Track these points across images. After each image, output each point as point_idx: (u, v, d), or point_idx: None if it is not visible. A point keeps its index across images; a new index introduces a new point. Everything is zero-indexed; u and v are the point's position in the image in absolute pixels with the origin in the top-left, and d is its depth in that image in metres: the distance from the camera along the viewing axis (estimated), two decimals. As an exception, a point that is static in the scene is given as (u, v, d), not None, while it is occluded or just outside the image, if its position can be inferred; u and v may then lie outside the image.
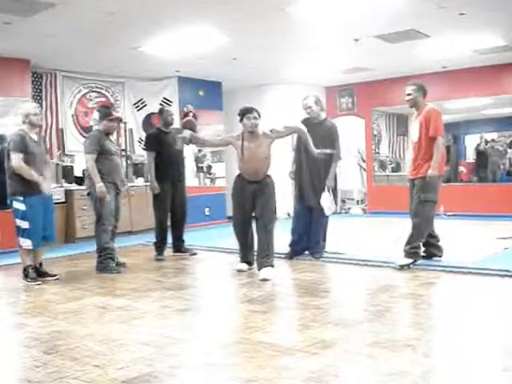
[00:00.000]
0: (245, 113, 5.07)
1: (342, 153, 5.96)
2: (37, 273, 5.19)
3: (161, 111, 6.49)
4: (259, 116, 5.11)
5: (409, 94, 5.20)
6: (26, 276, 5.12)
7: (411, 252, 5.15)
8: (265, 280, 4.87)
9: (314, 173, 5.77)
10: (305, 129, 5.32)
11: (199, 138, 5.57)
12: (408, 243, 5.17)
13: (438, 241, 5.41)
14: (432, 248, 5.39)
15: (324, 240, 6.05)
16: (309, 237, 5.95)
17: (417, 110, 5.25)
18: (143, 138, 9.49)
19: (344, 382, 2.65)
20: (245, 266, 5.33)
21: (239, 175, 5.26)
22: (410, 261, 5.13)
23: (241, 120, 5.12)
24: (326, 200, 5.72)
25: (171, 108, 6.48)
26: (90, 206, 5.76)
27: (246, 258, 5.37)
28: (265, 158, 5.13)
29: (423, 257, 5.34)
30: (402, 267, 5.09)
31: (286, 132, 5.29)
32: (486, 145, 10.94)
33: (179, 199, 6.33)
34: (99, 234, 5.56)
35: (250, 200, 5.16)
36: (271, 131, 5.15)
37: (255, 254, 5.26)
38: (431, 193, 5.14)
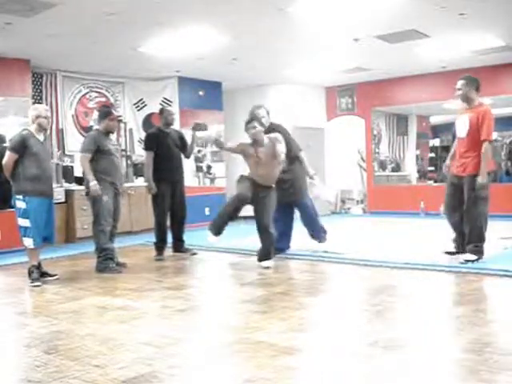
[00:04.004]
0: (246, 124, 5.50)
1: (299, 145, 6.11)
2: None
3: (161, 111, 6.49)
4: (260, 124, 5.53)
5: (459, 89, 5.17)
6: (29, 276, 5.12)
7: (475, 250, 5.17)
8: (267, 268, 5.44)
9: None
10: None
11: (223, 143, 6.06)
12: (469, 242, 5.19)
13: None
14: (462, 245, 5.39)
15: (324, 232, 6.15)
16: (289, 235, 6.16)
17: (469, 105, 5.19)
18: (143, 138, 9.53)
19: (344, 382, 2.65)
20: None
21: (252, 178, 5.55)
22: (475, 257, 5.14)
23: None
24: (322, 189, 6.07)
25: (172, 108, 6.47)
26: (89, 206, 5.75)
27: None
28: (273, 160, 5.43)
29: (454, 253, 5.35)
30: (466, 262, 5.11)
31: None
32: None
33: (178, 199, 6.32)
34: (97, 234, 5.54)
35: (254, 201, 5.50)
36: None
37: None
38: (482, 190, 5.11)
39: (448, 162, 5.50)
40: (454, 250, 5.39)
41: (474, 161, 5.11)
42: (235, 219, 5.72)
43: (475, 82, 5.17)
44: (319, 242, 6.11)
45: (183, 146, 6.43)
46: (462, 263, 5.13)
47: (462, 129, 5.21)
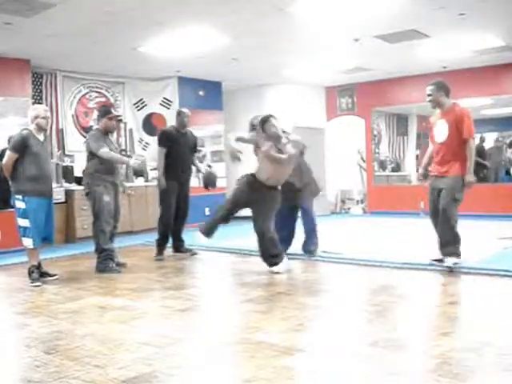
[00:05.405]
0: (261, 124, 5.18)
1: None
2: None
3: (178, 113, 6.52)
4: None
5: (429, 95, 5.07)
6: (29, 276, 5.12)
7: (455, 252, 4.97)
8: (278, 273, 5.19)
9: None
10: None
11: (242, 138, 5.45)
12: (448, 243, 4.99)
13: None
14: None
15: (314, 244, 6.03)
16: (292, 237, 5.99)
17: (441, 110, 5.10)
18: (143, 138, 9.54)
19: (344, 382, 2.65)
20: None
21: (253, 175, 5.27)
22: (460, 259, 4.99)
23: (262, 126, 5.20)
24: None
25: (188, 110, 6.48)
26: (89, 206, 5.75)
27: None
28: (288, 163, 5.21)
29: (441, 259, 5.19)
30: (453, 266, 4.96)
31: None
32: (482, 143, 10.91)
33: (183, 199, 6.36)
34: (97, 235, 5.54)
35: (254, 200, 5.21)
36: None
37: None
38: (461, 192, 5.03)
39: (421, 170, 5.38)
40: (441, 257, 5.29)
41: (457, 163, 4.97)
42: (229, 222, 5.46)
43: (445, 87, 5.07)
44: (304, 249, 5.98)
45: (194, 151, 6.51)
46: (449, 269, 4.96)
47: (440, 134, 5.09)
